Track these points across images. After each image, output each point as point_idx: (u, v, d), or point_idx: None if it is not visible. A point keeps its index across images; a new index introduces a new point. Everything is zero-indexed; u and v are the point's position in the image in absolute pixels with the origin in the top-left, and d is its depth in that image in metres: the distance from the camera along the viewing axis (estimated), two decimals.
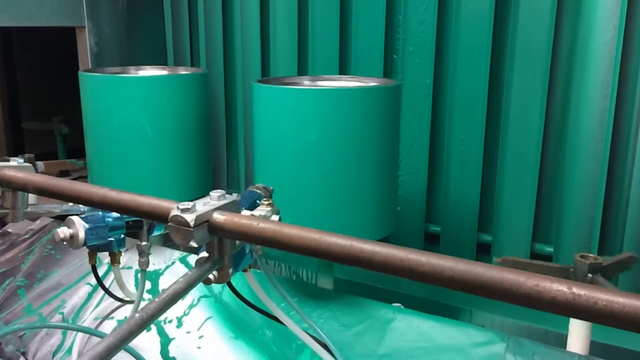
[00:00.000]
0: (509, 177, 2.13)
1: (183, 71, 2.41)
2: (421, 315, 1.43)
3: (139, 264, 1.36)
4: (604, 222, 1.99)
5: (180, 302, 0.84)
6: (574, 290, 0.63)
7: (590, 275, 1.18)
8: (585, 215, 2.01)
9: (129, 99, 2.03)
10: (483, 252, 2.26)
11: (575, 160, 2.00)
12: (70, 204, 1.36)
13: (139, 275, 1.43)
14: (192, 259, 1.73)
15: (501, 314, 2.00)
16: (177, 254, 1.75)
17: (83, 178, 2.98)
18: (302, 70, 2.54)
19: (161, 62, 2.96)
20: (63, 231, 1.18)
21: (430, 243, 2.37)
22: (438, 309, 1.79)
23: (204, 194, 0.95)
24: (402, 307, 1.51)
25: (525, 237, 2.13)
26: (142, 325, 0.72)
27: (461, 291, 0.70)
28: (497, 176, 2.18)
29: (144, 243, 1.36)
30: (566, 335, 1.47)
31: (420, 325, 1.41)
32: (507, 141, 2.12)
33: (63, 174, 3.14)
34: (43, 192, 1.08)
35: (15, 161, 1.20)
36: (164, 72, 2.37)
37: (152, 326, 1.51)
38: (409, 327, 1.41)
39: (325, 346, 1.30)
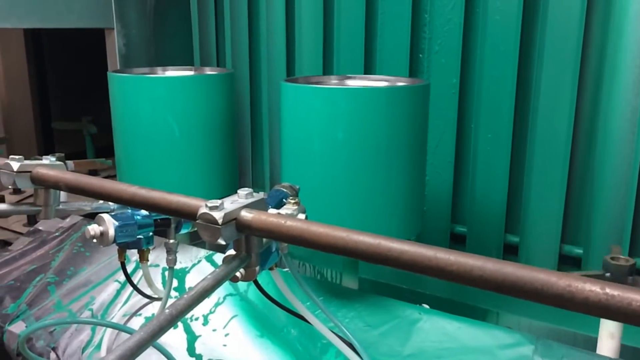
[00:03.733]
0: (537, 177, 2.10)
1: (209, 71, 2.43)
2: (447, 316, 1.42)
3: (166, 262, 1.38)
4: (635, 224, 1.95)
5: (206, 300, 0.85)
6: (607, 290, 0.61)
7: (630, 277, 1.15)
8: (616, 216, 1.97)
9: (156, 99, 2.06)
10: (510, 254, 2.24)
11: (605, 160, 1.96)
12: (101, 201, 1.39)
13: (166, 273, 1.44)
14: (218, 257, 1.74)
15: (528, 316, 1.98)
16: (203, 252, 1.77)
17: (111, 177, 3.03)
18: (327, 70, 2.54)
19: (188, 62, 2.99)
20: (93, 229, 1.20)
21: (456, 244, 2.35)
22: (464, 310, 1.77)
23: (229, 193, 0.96)
24: (428, 307, 1.50)
25: (554, 239, 2.10)
26: (171, 320, 0.73)
27: (491, 291, 0.69)
28: (524, 176, 2.15)
29: (171, 241, 1.37)
30: (595, 339, 1.44)
31: (446, 326, 1.40)
32: (535, 141, 2.09)
33: (92, 173, 3.19)
34: (74, 189, 1.10)
35: (47, 160, 1.22)
36: (191, 72, 2.40)
37: (179, 323, 1.53)
38: (435, 328, 1.40)
39: (351, 345, 1.29)
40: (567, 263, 2.15)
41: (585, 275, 1.21)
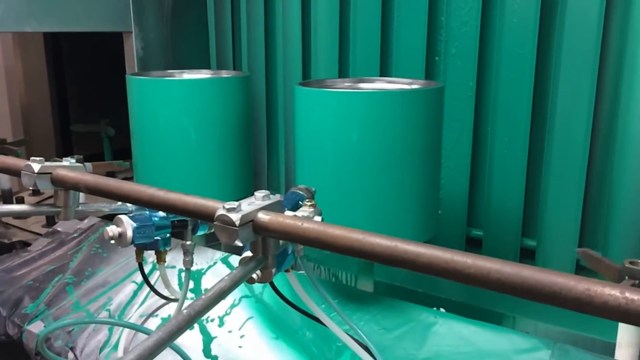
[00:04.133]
0: (554, 181, 2.08)
1: (225, 74, 2.44)
2: (463, 319, 1.42)
3: (183, 263, 1.39)
4: None
5: (222, 301, 0.85)
6: (627, 294, 0.61)
7: None
8: (635, 220, 1.94)
9: (173, 102, 2.08)
10: (527, 258, 2.22)
11: (624, 164, 1.94)
12: (119, 203, 1.40)
13: (183, 274, 1.45)
14: (234, 259, 1.75)
15: (545, 320, 1.96)
16: (218, 254, 1.78)
17: (129, 179, 3.05)
18: (343, 73, 2.54)
19: (204, 65, 3.01)
20: (112, 230, 1.22)
21: (472, 248, 2.33)
22: (479, 314, 1.76)
23: (245, 195, 0.96)
24: (444, 311, 1.49)
25: (571, 243, 2.08)
26: (189, 321, 0.74)
27: (508, 294, 0.69)
28: (542, 179, 2.13)
29: (188, 242, 1.38)
30: (613, 344, 1.42)
31: (462, 330, 1.39)
32: (552, 143, 2.07)
33: (109, 175, 3.22)
34: (94, 191, 1.11)
35: (67, 161, 1.24)
36: (207, 75, 2.41)
37: (195, 325, 1.54)
38: (451, 332, 1.40)
39: (366, 348, 1.29)
40: (585, 268, 2.12)
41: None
